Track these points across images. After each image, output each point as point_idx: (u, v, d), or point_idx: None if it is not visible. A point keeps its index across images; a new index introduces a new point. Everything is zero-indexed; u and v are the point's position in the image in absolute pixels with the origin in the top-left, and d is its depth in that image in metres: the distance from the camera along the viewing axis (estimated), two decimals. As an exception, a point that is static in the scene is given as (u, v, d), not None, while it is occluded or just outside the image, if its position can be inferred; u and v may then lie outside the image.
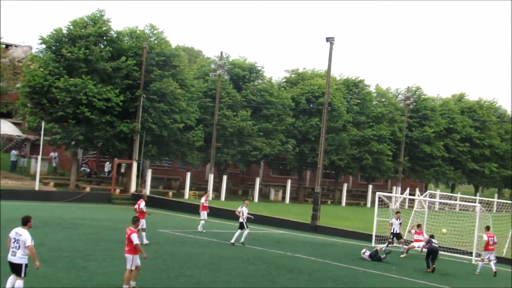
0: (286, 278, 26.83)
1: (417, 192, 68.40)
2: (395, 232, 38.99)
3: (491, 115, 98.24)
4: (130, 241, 21.09)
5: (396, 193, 77.57)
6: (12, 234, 18.35)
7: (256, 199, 71.63)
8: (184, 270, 26.51)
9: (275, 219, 53.02)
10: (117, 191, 63.34)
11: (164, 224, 43.82)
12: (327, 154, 73.74)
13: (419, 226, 40.07)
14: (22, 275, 18.15)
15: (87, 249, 29.80)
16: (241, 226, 36.69)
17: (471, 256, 38.95)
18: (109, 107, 59.93)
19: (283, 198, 76.50)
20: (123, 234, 22.94)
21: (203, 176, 79.34)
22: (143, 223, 33.05)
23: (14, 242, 18.21)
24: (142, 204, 33.87)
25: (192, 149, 68.01)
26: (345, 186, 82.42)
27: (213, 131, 67.67)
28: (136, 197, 61.63)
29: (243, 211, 36.98)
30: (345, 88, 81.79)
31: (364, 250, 35.54)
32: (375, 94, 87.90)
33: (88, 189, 62.21)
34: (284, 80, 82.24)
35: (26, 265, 18.24)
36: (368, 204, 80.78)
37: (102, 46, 62.80)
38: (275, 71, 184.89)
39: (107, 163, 71.79)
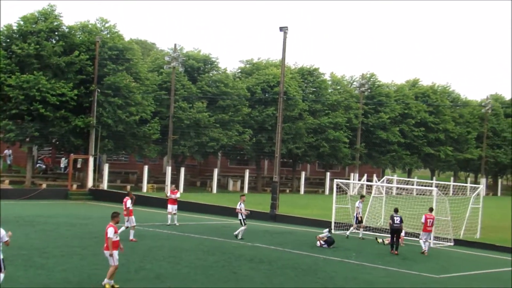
0: (247, 268, 26.84)
1: (375, 178, 68.49)
2: (360, 216, 40.08)
3: (444, 99, 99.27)
4: (106, 236, 21.15)
5: (353, 180, 78.06)
6: None
7: (214, 190, 71.56)
8: (144, 263, 26.37)
9: (234, 209, 52.87)
10: (74, 186, 62.74)
11: (123, 219, 43.47)
12: (284, 143, 73.86)
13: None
14: (2, 269, 18.44)
15: (45, 246, 29.48)
16: (242, 223, 36.51)
17: (430, 239, 39.28)
18: (63, 102, 59.28)
19: (242, 188, 76.49)
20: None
21: (160, 169, 78.99)
22: (132, 220, 34.05)
23: None
24: (128, 202, 34.68)
25: (149, 142, 67.67)
26: (303, 174, 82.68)
27: (169, 124, 67.34)
28: (93, 192, 61.30)
29: (242, 207, 36.61)
30: (300, 77, 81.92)
31: (318, 240, 35.47)
32: (330, 82, 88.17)
33: (44, 185, 61.52)
34: (239, 70, 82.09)
35: (3, 259, 18.55)
36: (327, 192, 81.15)
37: (54, 41, 62.01)
38: (230, 62, 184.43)
39: (63, 158, 71.10)
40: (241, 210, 36.54)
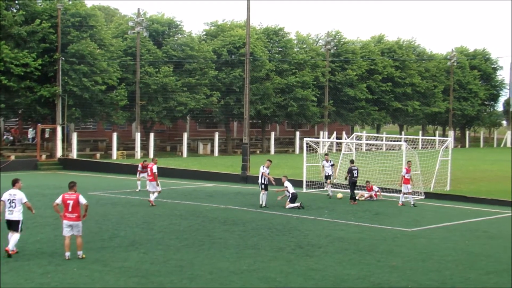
0: (221, 230, 26.92)
1: (344, 135, 69.25)
2: (327, 174, 39.83)
3: (410, 54, 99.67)
4: (77, 205, 20.89)
5: (323, 138, 78.37)
6: (6, 196, 21.13)
7: (184, 154, 71.49)
8: (117, 230, 26.34)
9: (205, 172, 53.01)
10: (43, 157, 62.35)
11: (94, 187, 43.39)
12: (253, 104, 73.83)
13: (367, 182, 40.46)
14: (19, 230, 21.06)
15: (16, 218, 29.26)
16: (264, 188, 34.80)
17: (400, 194, 39.62)
18: (27, 72, 58.64)
19: (212, 151, 76.52)
20: (53, 199, 22.63)
21: (130, 135, 78.69)
22: (156, 185, 35.08)
23: (9, 203, 21.04)
24: (154, 167, 35.49)
25: (117, 109, 67.32)
26: (272, 134, 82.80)
27: (136, 89, 66.98)
28: (63, 162, 60.93)
29: (266, 172, 34.97)
30: (266, 37, 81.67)
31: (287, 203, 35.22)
32: (295, 41, 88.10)
33: (13, 157, 60.97)
34: (204, 33, 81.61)
35: (21, 221, 21.27)
36: (297, 151, 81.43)
37: (14, 11, 61.16)
38: (194, 24, 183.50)
39: (31, 129, 70.51)
40: (264, 174, 35.13)
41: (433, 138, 58.82)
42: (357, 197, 38.61)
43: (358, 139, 54.06)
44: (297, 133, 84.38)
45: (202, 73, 72.57)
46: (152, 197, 34.92)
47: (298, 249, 23.28)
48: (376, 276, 19.39)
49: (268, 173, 35.13)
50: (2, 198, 21.23)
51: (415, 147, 51.14)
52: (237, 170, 52.30)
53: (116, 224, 28.10)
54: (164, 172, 52.94)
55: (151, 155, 67.43)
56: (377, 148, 63.30)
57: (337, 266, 20.70)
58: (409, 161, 37.68)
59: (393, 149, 51.70)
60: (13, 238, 21.00)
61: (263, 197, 34.71)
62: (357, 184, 38.43)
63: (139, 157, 66.03)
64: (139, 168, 42.20)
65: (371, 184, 39.66)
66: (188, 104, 70.53)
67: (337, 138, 57.89)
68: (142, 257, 21.50)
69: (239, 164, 52.02)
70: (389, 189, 41.59)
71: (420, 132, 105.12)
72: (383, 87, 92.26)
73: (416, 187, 40.33)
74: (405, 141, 45.71)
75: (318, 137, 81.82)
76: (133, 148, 69.13)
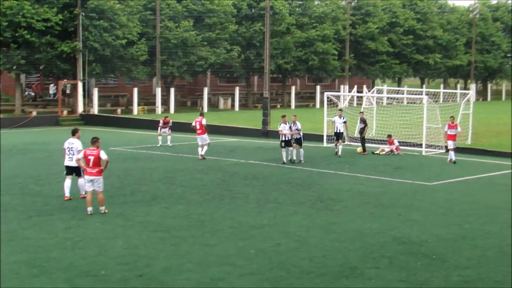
0: (242, 185, 27.05)
1: (365, 89, 68.78)
2: (338, 131, 37.58)
3: (432, 6, 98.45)
4: (98, 160, 21.07)
5: (344, 92, 78.01)
6: (66, 144, 23.35)
7: (205, 109, 71.46)
8: (139, 186, 26.53)
9: (226, 127, 53.06)
10: (65, 112, 62.57)
11: (115, 142, 43.60)
12: (273, 59, 73.48)
13: (389, 136, 40.04)
14: (82, 174, 22.44)
15: (39, 174, 29.59)
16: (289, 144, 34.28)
17: (421, 148, 39.56)
18: (48, 27, 58.55)
19: (233, 106, 76.46)
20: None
21: (150, 91, 78.73)
22: (206, 138, 35.72)
23: (68, 150, 23.17)
24: (203, 121, 35.83)
25: (137, 64, 67.21)
26: (293, 89, 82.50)
27: (156, 44, 66.81)
28: (84, 117, 61.18)
29: (285, 127, 34.39)
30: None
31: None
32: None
33: (34, 113, 61.30)
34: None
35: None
36: (317, 105, 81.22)
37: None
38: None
39: (52, 85, 70.68)
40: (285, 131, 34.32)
41: (454, 91, 58.41)
42: (377, 151, 38.59)
43: (379, 93, 53.78)
44: (318, 87, 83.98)
45: (222, 27, 72.20)
46: (202, 150, 35.54)
47: (319, 203, 23.37)
48: (397, 230, 19.46)
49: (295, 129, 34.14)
50: (64, 146, 23.59)
51: (437, 101, 50.88)
52: (257, 124, 52.29)
53: (138, 179, 28.29)
54: (184, 127, 53.06)
55: (172, 110, 67.52)
56: (398, 102, 63.09)
57: (358, 220, 20.78)
58: (452, 116, 36.91)
59: (414, 103, 51.45)
60: (80, 183, 22.94)
61: (295, 152, 34.57)
62: (378, 138, 38.29)
63: (160, 112, 66.13)
64: (160, 124, 42.30)
65: (392, 138, 39.51)
66: (209, 58, 70.31)
67: (358, 92, 57.53)
68: (163, 211, 21.69)
69: (260, 119, 51.98)
70: (410, 143, 41.51)
71: (442, 85, 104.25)
72: (405, 40, 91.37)
73: (436, 141, 40.23)
74: (427, 94, 45.42)
75: (339, 91, 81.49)
76: (154, 103, 69.21)
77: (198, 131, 35.89)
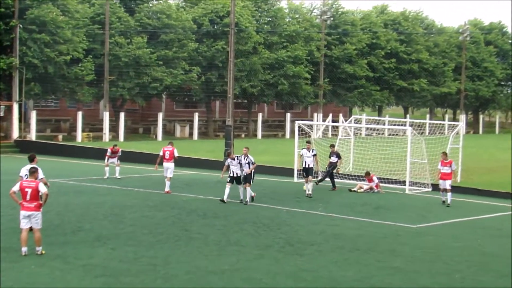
0: (200, 224, 26.88)
1: (341, 118, 69.05)
2: (307, 166, 36.61)
3: (417, 27, 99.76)
4: (36, 193, 20.78)
5: (317, 121, 78.37)
6: (23, 172, 23.41)
7: (159, 137, 71.35)
8: (82, 223, 26.24)
9: (183, 158, 52.59)
10: (-3, 138, 62.06)
11: (56, 173, 43.18)
12: (238, 82, 73.71)
13: (367, 174, 40.03)
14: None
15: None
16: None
17: (404, 185, 39.71)
18: (-20, 41, 58.32)
19: (191, 134, 76.46)
20: (9, 187, 22.50)
21: (97, 115, 78.49)
22: (172, 169, 36.34)
23: (26, 178, 22.21)
24: (175, 152, 36.72)
25: (82, 85, 67.01)
26: (260, 116, 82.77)
27: (104, 63, 66.68)
28: (19, 144, 60.61)
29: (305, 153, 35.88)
30: (253, 6, 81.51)
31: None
32: (287, 11, 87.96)
33: (-38, 138, 60.74)
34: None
35: (41, 196, 21.69)
36: (287, 135, 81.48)
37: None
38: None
39: (-17, 107, 70.15)
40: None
41: (442, 122, 59.00)
42: (355, 189, 38.67)
43: (357, 123, 54.04)
44: (288, 114, 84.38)
45: (180, 45, 72.33)
46: (167, 185, 35.93)
47: (288, 246, 23.27)
48: (376, 279, 19.40)
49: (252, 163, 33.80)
50: (20, 174, 23.62)
51: (422, 133, 51.34)
52: (219, 156, 52.22)
53: (81, 216, 28.00)
54: (135, 157, 52.86)
55: (121, 137, 67.29)
56: (379, 133, 63.50)
57: (331, 266, 20.70)
58: (444, 152, 36.64)
59: (396, 135, 51.91)
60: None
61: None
62: (355, 174, 38.35)
63: (107, 139, 65.85)
64: (108, 153, 42.08)
65: (371, 174, 39.65)
66: (164, 80, 70.33)
67: (333, 121, 57.87)
68: (110, 253, 21.45)
69: (222, 149, 51.95)
70: (391, 179, 41.64)
71: (428, 115, 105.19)
72: (386, 63, 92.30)
73: (422, 178, 40.42)
74: (411, 125, 45.77)
75: (312, 120, 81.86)
76: (101, 130, 68.95)
77: (166, 159, 36.26)
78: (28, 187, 20.88)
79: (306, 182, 36.59)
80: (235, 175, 33.14)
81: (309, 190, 36.21)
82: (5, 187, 33.72)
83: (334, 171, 39.66)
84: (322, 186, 39.63)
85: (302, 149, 38.23)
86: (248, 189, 32.97)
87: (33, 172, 21.32)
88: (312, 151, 37.12)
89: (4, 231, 23.78)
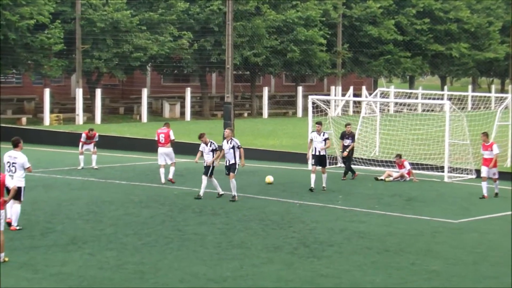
0: (195, 222, 26.97)
1: (364, 91, 68.94)
2: (317, 153, 35.76)
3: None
4: (1, 188, 21.18)
5: (335, 95, 78.34)
6: (5, 158, 24.63)
7: (144, 118, 71.34)
8: (52, 224, 26.34)
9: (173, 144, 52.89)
10: None
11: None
12: (238, 49, 73.56)
13: (397, 156, 39.89)
14: (22, 198, 24.67)
15: None
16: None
17: (443, 172, 39.70)
18: None
19: (183, 113, 76.38)
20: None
21: (68, 92, 78.56)
22: (172, 154, 37.17)
23: (9, 166, 24.44)
24: (171, 133, 37.43)
25: (49, 56, 66.93)
26: (265, 90, 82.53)
27: (76, 29, 66.64)
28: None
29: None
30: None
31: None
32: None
33: None
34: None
35: (23, 188, 24.87)
36: (299, 113, 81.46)
37: None
38: None
39: None
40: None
41: (487, 94, 59.02)
42: (382, 177, 38.68)
43: (383, 97, 54.02)
44: (300, 88, 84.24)
45: (167, 5, 72.21)
46: (170, 173, 36.61)
47: (302, 248, 23.36)
48: (410, 284, 19.48)
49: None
50: (3, 160, 24.75)
51: (463, 108, 51.29)
52: (217, 139, 52.07)
53: (51, 215, 28.10)
54: (116, 143, 52.92)
55: (98, 119, 67.31)
56: (410, 109, 63.48)
57: (355, 271, 20.78)
58: (484, 132, 36.21)
59: (432, 110, 51.89)
60: (14, 210, 24.44)
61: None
62: (382, 159, 38.38)
63: (81, 122, 65.93)
64: (83, 138, 42.11)
65: (402, 159, 39.57)
66: (149, 49, 70.19)
67: (354, 95, 57.61)
68: (87, 259, 21.53)
69: (220, 132, 51.93)
70: (427, 165, 41.63)
71: (470, 86, 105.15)
72: (418, 24, 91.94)
73: (463, 163, 40.39)
74: (449, 98, 45.76)
75: (329, 94, 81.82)
76: (73, 110, 68.98)
77: (161, 143, 36.76)
78: None
79: (313, 172, 35.46)
80: (207, 164, 32.92)
81: (323, 182, 35.51)
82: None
83: (344, 154, 39.19)
84: (340, 173, 39.61)
85: (312, 132, 37.57)
86: (233, 180, 32.27)
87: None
88: (323, 135, 36.01)
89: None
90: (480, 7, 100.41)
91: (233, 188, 32.22)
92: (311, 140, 36.30)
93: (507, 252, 23.19)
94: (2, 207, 21.01)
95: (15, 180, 23.82)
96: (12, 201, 23.60)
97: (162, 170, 36.47)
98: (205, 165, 32.87)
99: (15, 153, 24.75)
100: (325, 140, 35.75)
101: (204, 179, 32.63)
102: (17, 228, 24.60)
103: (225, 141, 32.98)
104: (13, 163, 24.51)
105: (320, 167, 35.57)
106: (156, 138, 37.12)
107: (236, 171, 32.46)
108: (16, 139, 25.10)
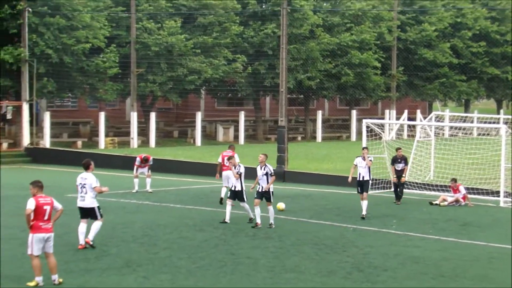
0: (249, 246, 26.98)
1: (419, 114, 68.86)
2: (361, 179, 35.12)
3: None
4: (51, 212, 21.12)
5: (389, 119, 78.12)
6: (78, 180, 26.01)
7: (198, 141, 71.56)
8: (107, 247, 26.47)
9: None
10: (4, 145, 62.59)
11: (73, 187, 43.44)
12: (292, 73, 73.68)
13: (453, 180, 39.62)
14: (98, 217, 25.95)
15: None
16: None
17: (498, 196, 39.44)
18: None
19: (236, 137, 76.56)
20: (19, 204, 22.79)
21: (123, 116, 79.01)
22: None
23: (81, 188, 25.83)
24: (236, 156, 36.48)
25: (104, 80, 67.40)
26: (319, 114, 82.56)
27: (131, 53, 67.11)
28: (31, 152, 61.09)
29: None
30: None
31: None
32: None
33: (-38, 146, 61.50)
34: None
35: (98, 207, 26.13)
36: (353, 137, 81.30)
37: None
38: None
39: (-13, 108, 70.99)
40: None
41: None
42: (437, 202, 38.50)
43: (438, 120, 53.81)
44: (354, 112, 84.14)
45: (221, 29, 72.50)
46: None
47: (356, 272, 23.31)
48: (464, 311, 19.38)
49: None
50: (77, 183, 26.19)
51: (520, 132, 50.84)
52: (271, 163, 52.23)
53: (106, 238, 28.23)
54: (170, 167, 53.15)
55: (153, 143, 67.62)
56: (466, 133, 63.07)
57: (410, 296, 20.70)
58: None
59: (488, 134, 51.50)
60: (94, 226, 25.94)
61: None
62: (437, 183, 38.15)
63: (135, 145, 66.27)
64: (137, 162, 42.34)
65: (457, 184, 39.37)
66: (203, 72, 70.48)
67: (409, 119, 57.49)
68: (141, 282, 21.64)
69: (274, 156, 51.99)
70: (482, 189, 41.38)
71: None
72: (474, 47, 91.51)
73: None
74: (505, 122, 45.47)
75: (383, 118, 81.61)
76: (128, 134, 69.36)
77: (226, 166, 36.56)
78: (46, 203, 21.02)
79: (362, 199, 34.74)
80: (235, 189, 32.62)
81: (363, 210, 34.47)
82: (17, 204, 34.18)
83: (402, 180, 39.02)
84: (392, 198, 39.48)
85: (357, 157, 36.35)
86: (271, 207, 31.80)
87: (40, 185, 21.61)
88: (369, 158, 35.74)
89: (15, 256, 24.03)
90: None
91: (272, 214, 31.68)
92: (355, 165, 35.76)
93: None
94: (50, 231, 21.05)
95: (87, 201, 25.66)
96: (86, 221, 25.91)
97: (224, 189, 36.52)
98: (240, 190, 32.46)
99: (86, 174, 25.92)
100: (370, 161, 35.72)
101: (229, 204, 32.71)
102: (91, 243, 25.72)
103: (258, 166, 32.86)
104: (83, 184, 25.75)
105: (363, 193, 34.76)
106: (220, 160, 37.04)
107: (272, 199, 32.00)
108: (86, 161, 26.28)
